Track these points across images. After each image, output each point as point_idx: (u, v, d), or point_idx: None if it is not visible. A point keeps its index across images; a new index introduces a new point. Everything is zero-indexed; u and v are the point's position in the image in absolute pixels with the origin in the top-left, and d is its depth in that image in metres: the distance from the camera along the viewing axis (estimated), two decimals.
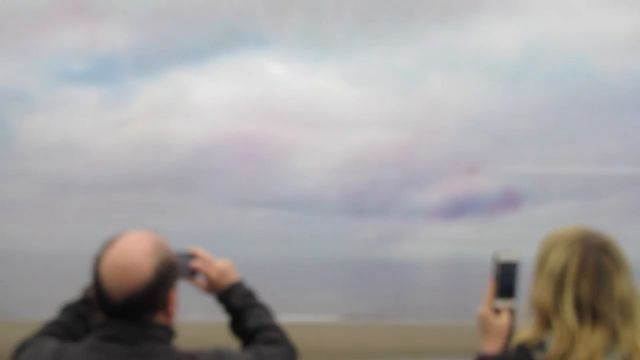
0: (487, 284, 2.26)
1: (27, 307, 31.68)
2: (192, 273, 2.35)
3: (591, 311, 2.06)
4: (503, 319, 2.22)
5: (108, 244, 1.97)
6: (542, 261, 2.17)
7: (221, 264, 2.40)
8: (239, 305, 2.35)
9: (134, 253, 1.93)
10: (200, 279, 2.39)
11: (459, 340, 22.24)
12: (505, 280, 2.23)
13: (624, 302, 2.06)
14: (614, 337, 2.05)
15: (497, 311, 2.23)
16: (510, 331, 2.21)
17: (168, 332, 2.00)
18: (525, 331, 2.13)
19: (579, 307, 2.06)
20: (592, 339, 2.02)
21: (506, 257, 2.24)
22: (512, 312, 2.24)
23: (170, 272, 1.99)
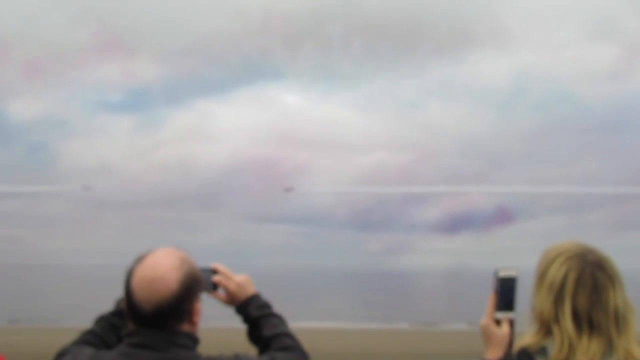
0: (488, 297, 2.26)
1: (66, 315, 31.70)
2: (214, 287, 2.36)
3: (588, 321, 2.06)
4: (504, 329, 2.21)
5: (138, 259, 2.00)
6: (542, 273, 2.19)
7: (240, 278, 2.42)
8: (256, 315, 2.36)
9: (162, 267, 1.95)
10: (221, 292, 2.40)
11: (458, 343, 22.07)
12: (505, 294, 2.23)
13: (618, 314, 2.07)
14: (609, 345, 2.05)
15: (497, 322, 2.23)
16: (511, 340, 2.22)
17: (193, 340, 2.01)
18: (528, 337, 2.14)
19: (576, 317, 2.06)
20: (590, 347, 2.03)
21: (505, 272, 2.24)
22: (511, 323, 2.24)
23: (194, 284, 2.01)
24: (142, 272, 1.96)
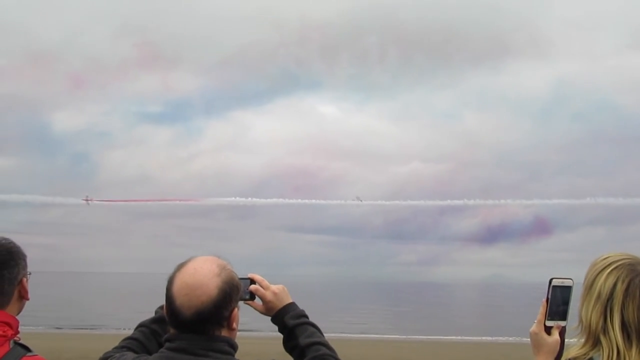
0: (538, 306, 2.24)
1: (105, 321, 32.21)
2: (251, 296, 2.38)
3: (637, 333, 2.02)
4: (554, 337, 2.18)
5: (179, 267, 2.03)
6: (590, 284, 2.17)
7: (276, 288, 2.43)
8: (292, 324, 2.37)
9: (201, 274, 1.98)
10: (258, 302, 2.42)
11: (493, 355, 21.76)
12: (558, 302, 2.21)
13: None
14: None
15: (548, 330, 2.21)
16: (561, 349, 2.19)
17: (231, 346, 2.03)
18: (576, 348, 2.11)
19: (625, 328, 2.03)
20: None
21: (560, 281, 2.22)
22: (562, 332, 2.21)
23: (233, 291, 2.03)
24: (183, 279, 1.99)
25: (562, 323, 2.21)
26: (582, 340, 2.14)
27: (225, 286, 1.99)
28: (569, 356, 2.10)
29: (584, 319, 2.14)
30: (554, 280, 2.22)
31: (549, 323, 2.20)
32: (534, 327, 2.21)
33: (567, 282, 2.22)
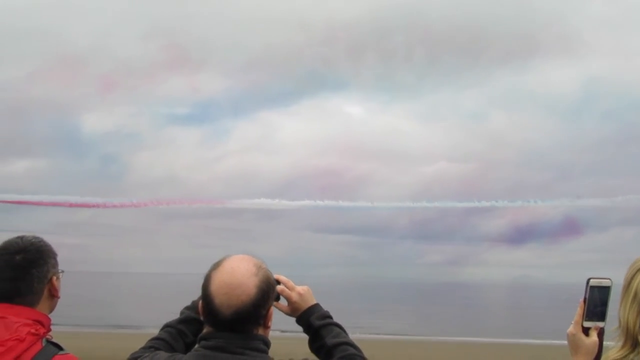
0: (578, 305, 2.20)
1: (133, 320, 32.58)
2: (276, 297, 2.39)
3: None
4: (592, 338, 2.13)
5: (215, 266, 2.04)
6: (627, 284, 2.13)
7: (301, 289, 2.43)
8: (318, 325, 2.37)
9: (240, 273, 2.00)
10: (283, 302, 2.43)
11: (521, 357, 21.55)
12: (596, 303, 2.16)
13: None
14: None
15: (586, 331, 2.16)
16: (599, 351, 2.14)
17: (266, 344, 2.05)
18: (614, 351, 2.07)
19: None
20: None
21: (598, 281, 2.17)
22: (600, 333, 2.16)
23: (270, 289, 2.05)
24: (222, 278, 2.00)
25: (601, 324, 2.16)
26: (621, 342, 2.10)
27: (263, 285, 2.01)
28: (608, 359, 2.06)
29: (622, 320, 2.09)
30: (591, 280, 2.17)
31: (586, 324, 2.14)
32: (571, 328, 2.15)
33: (605, 282, 2.17)
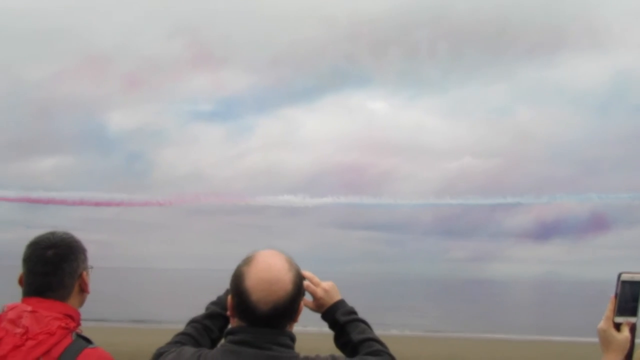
0: (609, 301, 2.16)
1: (158, 315, 32.88)
2: (302, 293, 2.40)
3: None
4: (624, 334, 2.10)
5: (247, 261, 2.06)
6: None
7: (326, 285, 2.44)
8: (344, 321, 2.38)
9: (276, 269, 2.02)
10: (308, 298, 2.43)
11: (547, 355, 21.35)
12: (627, 298, 2.12)
13: None
14: None
15: (617, 327, 2.13)
16: (631, 346, 2.11)
17: (292, 339, 2.07)
18: None
19: None
20: None
21: (630, 276, 2.13)
22: (633, 328, 2.13)
23: (302, 284, 2.09)
24: (258, 275, 2.00)
25: (633, 319, 2.12)
26: None
27: (297, 280, 2.04)
28: None
29: None
30: (623, 275, 2.12)
31: (618, 319, 2.11)
32: (602, 324, 2.11)
33: (637, 277, 2.13)
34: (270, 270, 2.00)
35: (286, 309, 2.00)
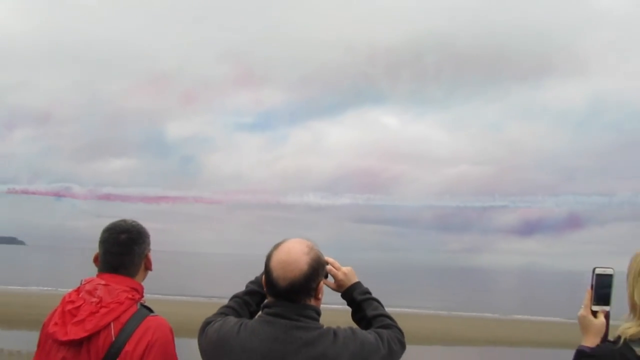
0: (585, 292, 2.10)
1: (205, 291, 33.06)
2: (325, 275, 2.40)
3: None
4: (600, 320, 2.08)
5: (276, 246, 2.09)
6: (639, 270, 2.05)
7: (346, 269, 2.44)
8: (360, 299, 2.38)
9: (294, 252, 2.04)
10: (330, 280, 2.44)
11: (533, 333, 21.07)
12: (602, 289, 2.10)
13: None
14: None
15: (594, 314, 2.10)
16: (606, 331, 2.09)
17: (317, 312, 2.08)
18: (629, 328, 2.00)
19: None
20: None
21: (602, 270, 2.12)
22: (607, 316, 2.11)
23: (319, 267, 2.08)
24: (279, 256, 2.03)
25: (607, 308, 2.10)
26: (635, 321, 2.00)
27: (313, 263, 2.04)
28: (622, 335, 1.96)
29: (636, 301, 2.01)
30: (597, 269, 2.11)
31: (594, 308, 2.09)
32: (582, 311, 2.10)
33: (608, 271, 2.11)
34: (289, 254, 2.03)
35: (302, 286, 2.01)
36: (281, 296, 2.02)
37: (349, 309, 2.42)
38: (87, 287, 2.34)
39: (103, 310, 2.26)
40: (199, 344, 2.14)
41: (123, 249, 2.40)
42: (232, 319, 2.14)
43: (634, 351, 1.84)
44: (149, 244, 2.50)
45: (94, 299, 2.29)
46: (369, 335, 2.10)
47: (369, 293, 2.41)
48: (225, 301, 2.41)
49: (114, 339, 2.22)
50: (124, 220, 2.49)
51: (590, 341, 2.05)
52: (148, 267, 2.50)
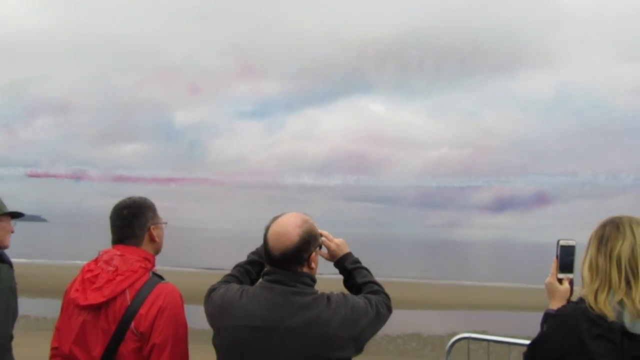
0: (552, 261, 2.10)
1: (211, 262, 33.19)
2: (319, 246, 2.40)
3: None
4: (565, 286, 2.11)
5: (273, 219, 2.10)
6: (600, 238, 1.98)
7: (338, 240, 2.44)
8: (350, 268, 2.38)
9: (287, 224, 2.05)
10: (324, 250, 2.45)
11: (505, 298, 21.32)
12: (566, 259, 2.12)
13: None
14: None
15: (559, 281, 2.12)
16: (570, 295, 2.11)
17: (312, 279, 2.09)
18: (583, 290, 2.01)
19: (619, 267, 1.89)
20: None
21: (566, 241, 2.13)
22: (571, 282, 2.13)
23: (311, 239, 2.07)
24: (274, 228, 2.05)
25: (571, 275, 2.12)
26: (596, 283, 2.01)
27: (305, 235, 2.04)
28: (580, 295, 1.99)
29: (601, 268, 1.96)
30: (561, 241, 2.13)
31: (560, 276, 2.11)
32: (549, 279, 2.12)
33: (571, 242, 2.13)
34: (282, 226, 2.04)
35: (293, 256, 2.02)
36: (276, 264, 2.04)
37: (341, 277, 2.44)
38: (104, 257, 2.35)
39: (119, 278, 2.27)
40: (205, 309, 2.15)
41: (124, 222, 2.40)
42: (234, 286, 2.15)
43: (593, 309, 1.86)
44: (152, 218, 2.45)
45: (111, 268, 2.30)
46: (359, 300, 2.11)
47: (359, 262, 2.41)
48: (229, 270, 2.41)
49: (129, 303, 2.24)
50: (130, 198, 2.48)
51: (557, 305, 2.08)
52: (152, 239, 2.45)
